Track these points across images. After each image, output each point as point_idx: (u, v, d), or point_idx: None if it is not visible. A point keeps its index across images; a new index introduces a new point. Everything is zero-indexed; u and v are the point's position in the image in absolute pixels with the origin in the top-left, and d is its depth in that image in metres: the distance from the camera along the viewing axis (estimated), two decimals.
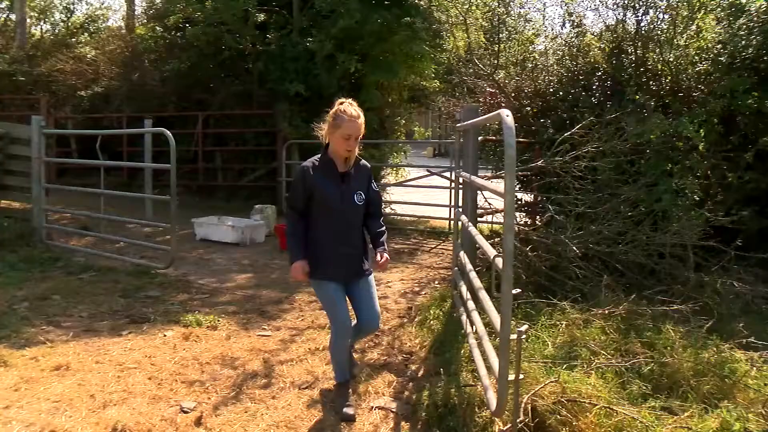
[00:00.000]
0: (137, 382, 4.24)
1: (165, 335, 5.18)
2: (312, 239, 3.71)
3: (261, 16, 12.77)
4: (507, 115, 2.83)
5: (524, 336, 2.96)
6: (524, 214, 7.95)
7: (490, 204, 6.75)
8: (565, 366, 4.01)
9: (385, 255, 3.71)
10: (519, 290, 2.91)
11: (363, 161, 3.85)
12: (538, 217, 7.43)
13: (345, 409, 3.83)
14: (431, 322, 5.57)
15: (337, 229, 3.68)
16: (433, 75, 14.73)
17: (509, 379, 2.90)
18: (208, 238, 9.36)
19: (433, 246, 9.73)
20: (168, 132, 7.06)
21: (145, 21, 15.87)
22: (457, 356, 4.66)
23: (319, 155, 3.74)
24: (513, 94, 8.12)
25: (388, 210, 12.80)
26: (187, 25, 13.48)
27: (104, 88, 14.85)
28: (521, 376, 3.11)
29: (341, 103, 3.70)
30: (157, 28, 14.63)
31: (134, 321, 5.51)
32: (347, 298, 3.82)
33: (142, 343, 4.99)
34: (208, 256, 8.29)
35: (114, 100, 14.79)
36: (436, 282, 7.31)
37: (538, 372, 3.96)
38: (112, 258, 7.70)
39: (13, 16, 19.70)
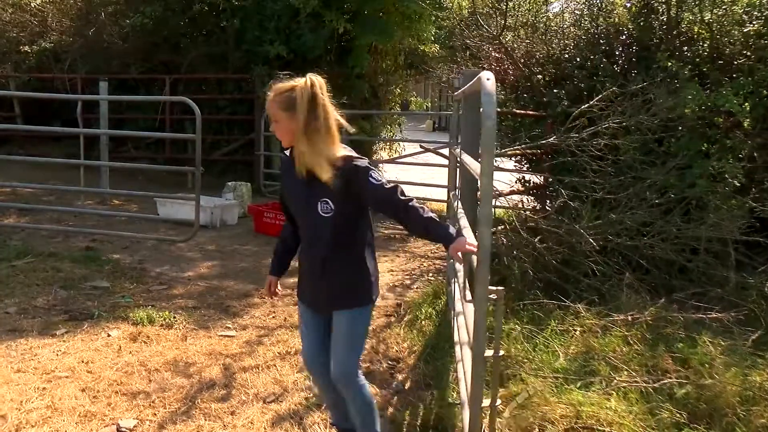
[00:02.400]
0: (67, 395, 3.89)
1: (109, 335, 4.85)
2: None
3: None
4: (488, 79, 2.54)
5: (501, 354, 2.64)
6: (533, 198, 7.63)
7: (494, 187, 6.41)
8: (579, 383, 3.71)
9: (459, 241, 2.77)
10: (494, 296, 2.57)
11: (353, 159, 2.94)
12: (548, 202, 7.12)
13: None
14: (422, 322, 5.31)
15: (305, 241, 3.12)
16: (432, 38, 14.39)
17: (483, 405, 2.62)
18: (171, 218, 9.00)
19: None
20: (191, 101, 7.28)
21: None
22: (450, 366, 4.38)
23: None
24: (522, 60, 7.75)
25: None
26: None
27: (54, 44, 14.27)
28: (527, 394, 2.82)
29: None
30: None
31: (73, 317, 5.17)
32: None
33: (80, 345, 4.66)
34: (169, 240, 7.95)
35: (66, 59, 14.25)
36: (430, 274, 7.02)
37: (547, 390, 3.68)
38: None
39: None
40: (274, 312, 5.66)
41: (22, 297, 5.53)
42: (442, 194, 10.49)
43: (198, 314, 5.48)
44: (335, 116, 2.92)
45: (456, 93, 5.39)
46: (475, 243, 2.67)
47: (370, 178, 2.88)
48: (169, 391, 4.05)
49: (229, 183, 10.24)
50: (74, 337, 4.79)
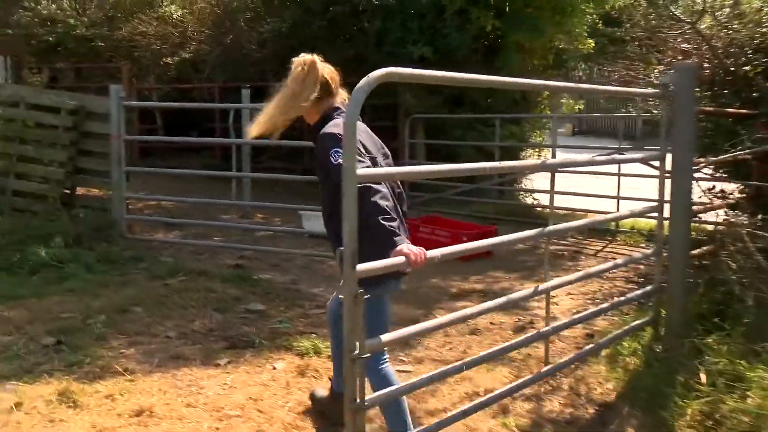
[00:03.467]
0: None
1: (274, 368, 4.55)
2: None
3: None
4: (378, 74, 2.62)
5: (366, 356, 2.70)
6: (736, 212, 6.77)
7: (710, 199, 5.68)
8: None
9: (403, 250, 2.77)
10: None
11: (323, 135, 3.18)
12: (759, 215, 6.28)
13: None
14: (626, 359, 4.67)
15: None
16: (585, 34, 13.67)
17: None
18: (319, 232, 8.71)
19: (598, 248, 8.72)
20: None
21: None
22: (683, 417, 3.76)
23: None
24: (721, 50, 6.92)
25: (529, 200, 11.86)
26: None
27: (192, 54, 14.59)
28: None
29: None
30: None
31: (234, 345, 4.91)
32: None
33: (245, 377, 4.38)
34: (321, 257, 7.66)
35: (204, 68, 14.50)
36: (615, 298, 6.35)
37: None
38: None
39: None
40: (450, 342, 5.20)
41: (179, 320, 5.36)
42: (600, 203, 9.69)
43: None
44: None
45: (669, 91, 4.73)
46: (437, 254, 2.86)
47: (331, 157, 2.99)
48: None
49: None
50: (238, 368, 4.52)
